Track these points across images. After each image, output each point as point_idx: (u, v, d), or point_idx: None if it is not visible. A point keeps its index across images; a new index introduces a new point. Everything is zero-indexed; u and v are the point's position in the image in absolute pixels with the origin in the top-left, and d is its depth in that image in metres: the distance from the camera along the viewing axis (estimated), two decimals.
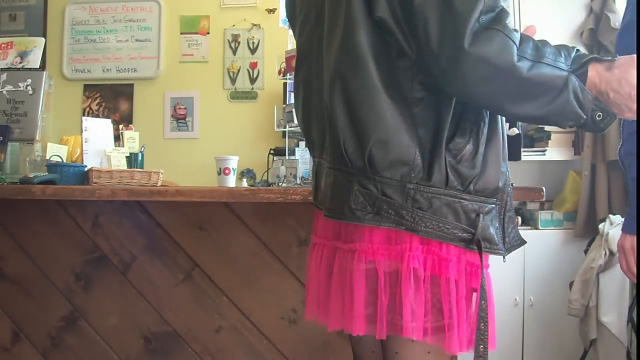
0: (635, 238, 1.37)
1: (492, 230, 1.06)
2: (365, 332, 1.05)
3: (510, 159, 1.11)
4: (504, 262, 1.12)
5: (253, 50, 3.67)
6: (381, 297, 1.02)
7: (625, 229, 1.42)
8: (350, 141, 1.04)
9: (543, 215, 2.85)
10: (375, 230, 1.04)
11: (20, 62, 2.16)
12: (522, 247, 1.17)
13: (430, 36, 0.93)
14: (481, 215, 1.04)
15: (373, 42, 1.01)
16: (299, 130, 1.77)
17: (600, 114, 0.98)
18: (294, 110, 1.32)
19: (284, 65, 2.55)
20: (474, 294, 1.04)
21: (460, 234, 1.03)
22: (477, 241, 1.04)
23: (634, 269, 1.39)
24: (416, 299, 1.01)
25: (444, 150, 1.02)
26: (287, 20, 1.39)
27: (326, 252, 1.15)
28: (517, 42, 0.93)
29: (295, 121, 1.91)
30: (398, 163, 1.02)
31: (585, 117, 0.98)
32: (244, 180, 3.38)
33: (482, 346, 1.02)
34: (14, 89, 2.07)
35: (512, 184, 1.15)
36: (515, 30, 0.94)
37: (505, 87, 0.94)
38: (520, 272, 2.72)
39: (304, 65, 1.21)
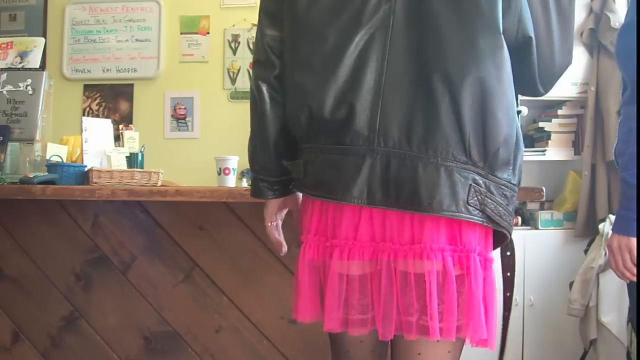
0: (622, 238, 1.38)
1: None
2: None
3: None
4: None
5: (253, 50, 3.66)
6: (451, 299, 1.01)
7: (614, 229, 1.43)
8: (475, 134, 1.01)
9: (543, 215, 2.85)
10: (441, 228, 1.02)
11: (20, 62, 2.16)
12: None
13: (555, 45, 1.06)
14: None
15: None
16: None
17: None
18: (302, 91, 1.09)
19: None
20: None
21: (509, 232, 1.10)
22: (511, 242, 1.13)
23: (622, 268, 1.40)
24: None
25: (523, 149, 1.09)
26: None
27: (357, 254, 1.06)
28: None
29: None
30: (507, 161, 1.05)
31: None
32: (244, 180, 3.37)
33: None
34: (14, 89, 2.07)
35: None
36: None
37: None
38: (520, 272, 2.71)
39: (341, 37, 1.04)
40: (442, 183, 1.00)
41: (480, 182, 1.03)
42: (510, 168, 1.06)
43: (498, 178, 1.04)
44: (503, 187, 1.05)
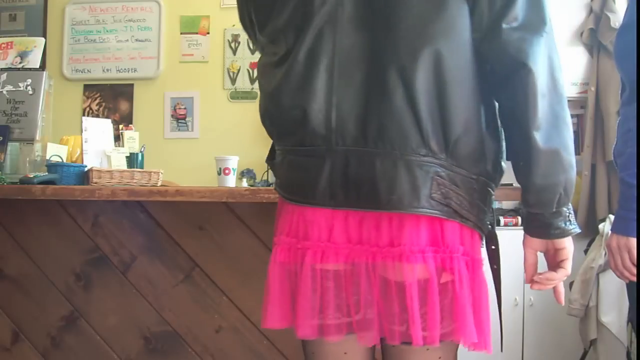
0: (621, 238, 1.39)
1: None
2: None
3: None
4: None
5: (253, 50, 3.66)
6: (434, 303, 0.96)
7: (613, 229, 1.43)
8: (432, 123, 0.95)
9: None
10: (421, 228, 0.97)
11: (20, 62, 2.16)
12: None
13: (520, 13, 0.94)
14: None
15: (463, 12, 0.96)
16: None
17: (572, 218, 1.02)
18: (269, 93, 1.07)
19: None
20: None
21: (489, 227, 1.05)
22: (495, 235, 1.07)
23: (621, 268, 1.40)
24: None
25: (500, 142, 1.03)
26: None
27: (331, 257, 1.00)
28: None
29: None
30: (474, 153, 0.99)
31: (567, 204, 1.00)
32: (244, 180, 3.38)
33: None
34: (14, 89, 2.07)
35: None
36: None
37: (551, 94, 0.95)
38: (520, 272, 2.70)
39: (301, 34, 1.01)
40: (401, 178, 0.95)
41: (443, 174, 0.97)
42: (483, 161, 1.00)
43: (466, 171, 0.98)
44: (472, 180, 0.99)
